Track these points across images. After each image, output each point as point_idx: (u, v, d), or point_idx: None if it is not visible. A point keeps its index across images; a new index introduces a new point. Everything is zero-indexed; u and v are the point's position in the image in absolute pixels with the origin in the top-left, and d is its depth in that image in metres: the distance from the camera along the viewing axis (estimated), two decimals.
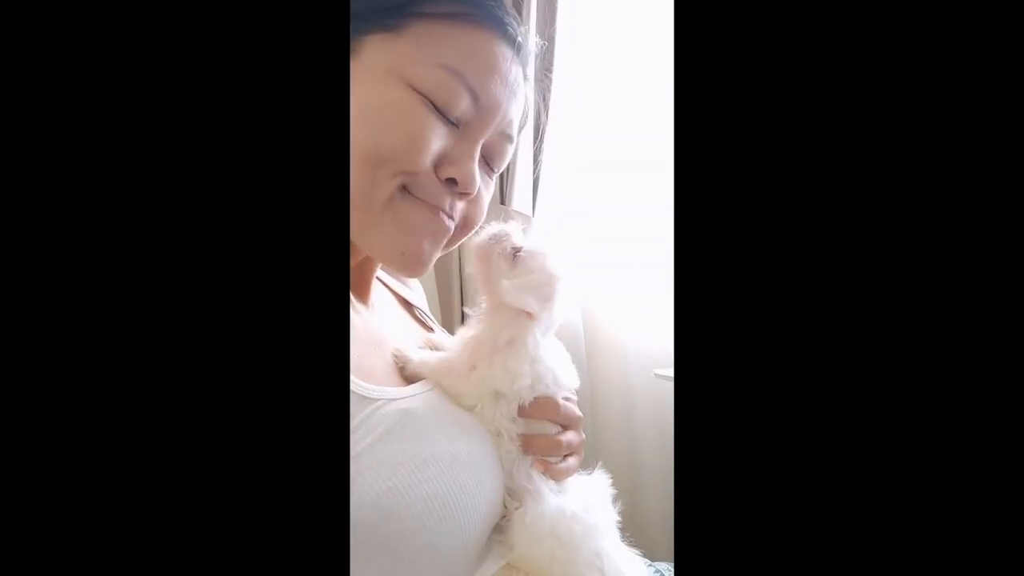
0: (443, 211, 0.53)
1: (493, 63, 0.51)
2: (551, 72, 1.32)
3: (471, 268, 0.58)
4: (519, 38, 0.53)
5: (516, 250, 0.55)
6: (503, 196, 1.35)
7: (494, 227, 0.56)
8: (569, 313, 1.44)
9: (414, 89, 0.48)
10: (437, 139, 0.50)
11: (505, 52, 0.52)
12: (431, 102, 0.49)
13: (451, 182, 0.52)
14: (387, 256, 0.54)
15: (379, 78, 0.49)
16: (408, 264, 0.54)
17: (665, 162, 1.32)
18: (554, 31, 1.31)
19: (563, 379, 0.58)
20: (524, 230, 0.57)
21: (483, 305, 0.58)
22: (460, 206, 0.55)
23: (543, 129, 1.33)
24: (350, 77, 0.48)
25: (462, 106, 0.50)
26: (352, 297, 0.60)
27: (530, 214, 1.38)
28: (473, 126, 0.52)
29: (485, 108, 0.51)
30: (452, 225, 0.54)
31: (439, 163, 0.51)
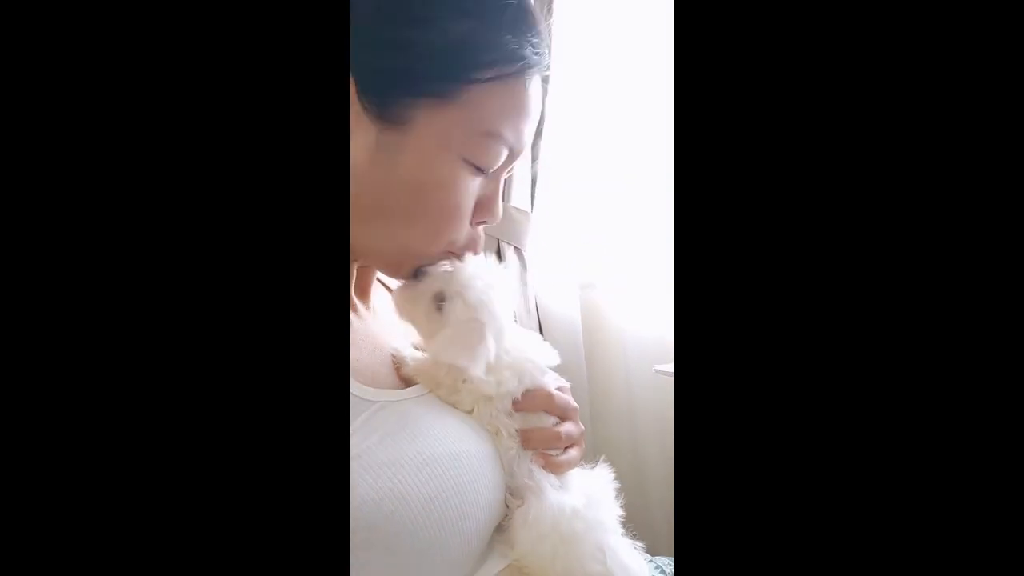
0: (475, 251, 0.56)
1: (530, 108, 0.52)
2: (549, 69, 1.31)
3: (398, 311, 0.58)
4: (549, 69, 0.54)
5: (437, 296, 0.54)
6: (503, 193, 1.35)
7: (404, 293, 0.57)
8: (569, 309, 1.44)
9: (464, 159, 0.50)
10: (475, 194, 0.53)
11: (538, 89, 0.53)
12: (476, 167, 0.51)
13: (482, 222, 0.55)
14: (396, 275, 0.58)
15: (433, 153, 0.50)
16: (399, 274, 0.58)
17: (666, 157, 1.32)
18: (551, 25, 1.31)
19: (541, 362, 0.58)
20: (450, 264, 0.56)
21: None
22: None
23: (542, 125, 1.33)
24: (406, 148, 0.49)
25: (500, 161, 0.52)
26: (354, 299, 0.60)
27: (528, 210, 1.37)
28: (502, 168, 0.54)
29: (516, 153, 0.54)
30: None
31: (473, 212, 0.54)
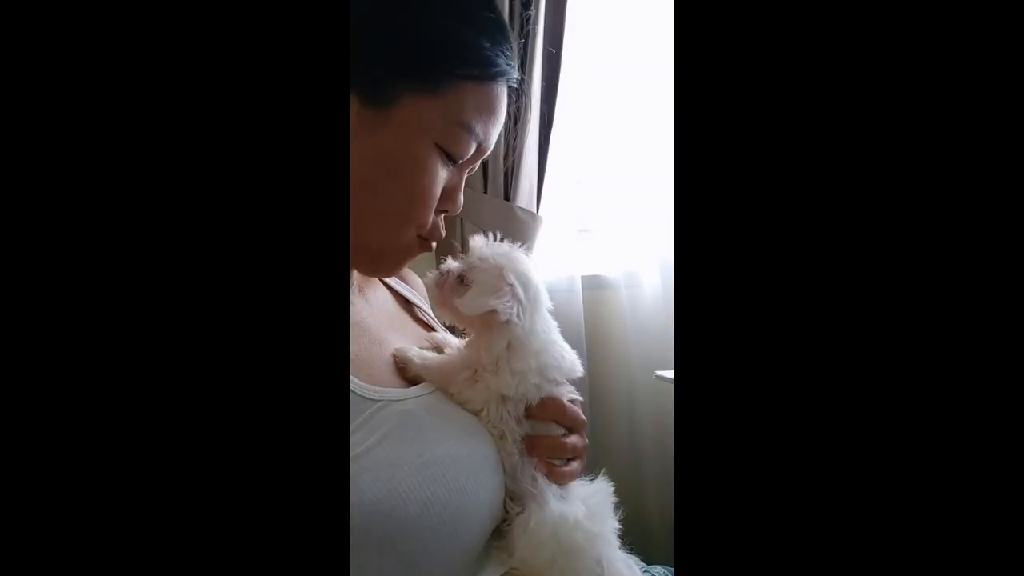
0: (435, 240, 0.59)
1: (499, 112, 0.56)
2: (558, 73, 1.31)
3: (441, 316, 0.61)
4: (517, 82, 0.58)
5: (459, 276, 0.57)
6: (508, 194, 1.35)
7: (431, 275, 0.60)
8: (572, 314, 1.44)
9: (436, 145, 0.53)
10: (442, 183, 0.56)
11: (506, 96, 0.57)
12: (447, 155, 0.54)
13: (443, 211, 0.58)
14: (364, 265, 0.59)
15: (412, 135, 0.53)
16: (382, 271, 0.61)
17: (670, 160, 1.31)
18: (562, 30, 1.31)
19: (566, 367, 0.58)
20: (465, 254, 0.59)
21: (470, 336, 0.59)
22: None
23: (549, 128, 1.33)
24: (384, 126, 0.52)
25: (468, 152, 0.56)
26: (352, 294, 0.60)
27: (535, 211, 1.37)
28: (467, 162, 0.57)
29: (483, 149, 0.57)
30: (432, 247, 0.60)
31: (439, 200, 0.56)
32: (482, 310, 0.54)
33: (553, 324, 0.59)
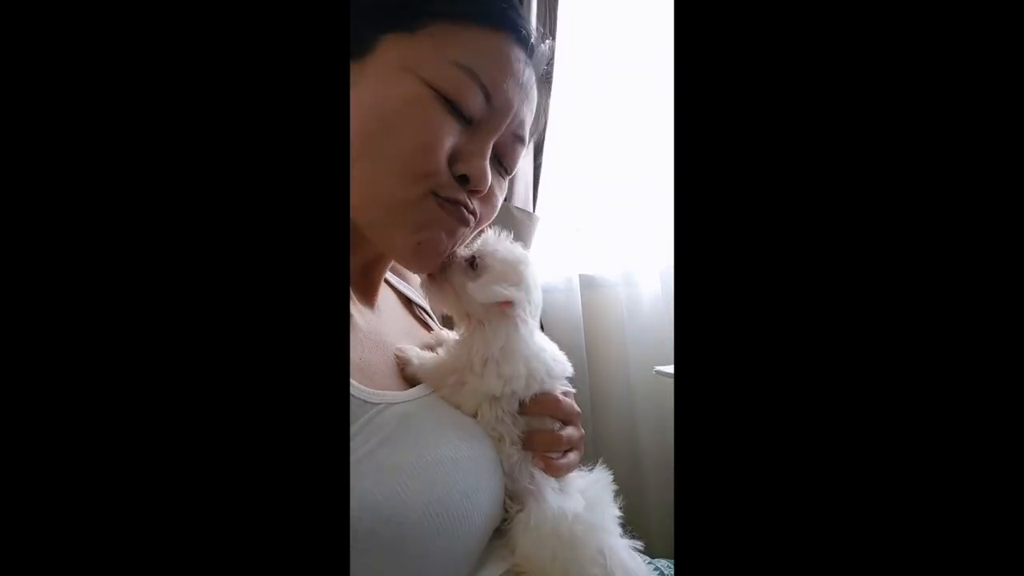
0: (463, 205, 0.53)
1: (506, 63, 0.51)
2: (552, 67, 1.31)
3: (435, 303, 0.58)
4: (532, 40, 0.53)
5: (470, 260, 0.55)
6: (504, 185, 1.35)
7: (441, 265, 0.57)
8: (570, 310, 1.44)
9: (429, 86, 0.48)
10: (450, 136, 0.50)
11: (518, 54, 0.52)
12: (445, 98, 0.49)
13: (463, 179, 0.52)
14: (402, 250, 0.54)
15: (394, 75, 0.49)
16: (421, 255, 0.53)
17: (669, 157, 1.31)
18: (555, 24, 1.31)
19: (556, 370, 0.58)
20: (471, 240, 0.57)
21: (463, 331, 0.58)
22: (474, 203, 0.54)
23: (544, 125, 1.32)
24: (365, 74, 0.49)
25: (475, 104, 0.50)
26: (357, 300, 0.60)
27: (531, 210, 1.37)
28: (485, 125, 0.52)
29: (497, 108, 0.51)
30: (471, 219, 0.54)
31: (452, 160, 0.51)
32: (495, 298, 0.52)
33: (542, 337, 0.59)
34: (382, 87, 0.48)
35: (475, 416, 0.55)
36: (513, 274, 0.54)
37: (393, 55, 0.49)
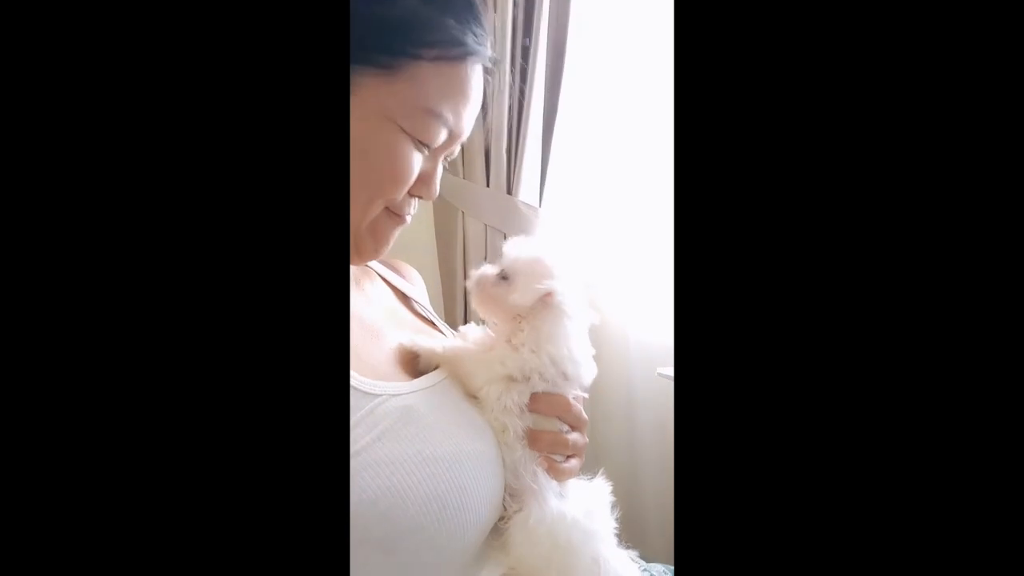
0: (408, 211, 0.58)
1: (468, 91, 0.54)
2: (562, 65, 1.30)
3: (484, 314, 0.61)
4: (491, 60, 0.56)
5: (500, 275, 0.58)
6: (510, 187, 1.34)
7: (473, 276, 0.60)
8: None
9: (403, 131, 0.52)
10: (416, 168, 0.54)
11: (479, 76, 0.55)
12: (417, 141, 0.53)
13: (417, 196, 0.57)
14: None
15: (374, 121, 0.52)
16: (364, 253, 0.57)
17: (670, 159, 1.31)
18: (567, 23, 1.30)
19: (584, 375, 0.58)
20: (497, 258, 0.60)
21: (521, 334, 0.58)
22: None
23: (552, 121, 1.32)
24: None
25: (440, 139, 0.54)
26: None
27: (537, 205, 1.37)
28: (441, 148, 0.56)
29: (456, 135, 0.55)
30: (410, 219, 0.59)
31: (412, 184, 0.56)
32: (538, 295, 0.55)
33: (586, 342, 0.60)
34: (364, 130, 0.51)
35: (478, 393, 0.55)
36: (541, 269, 0.56)
37: (374, 99, 0.51)
